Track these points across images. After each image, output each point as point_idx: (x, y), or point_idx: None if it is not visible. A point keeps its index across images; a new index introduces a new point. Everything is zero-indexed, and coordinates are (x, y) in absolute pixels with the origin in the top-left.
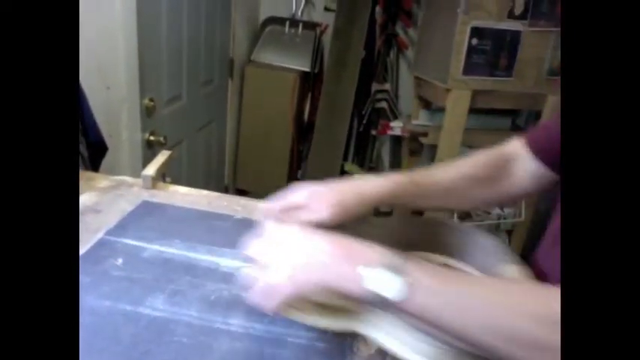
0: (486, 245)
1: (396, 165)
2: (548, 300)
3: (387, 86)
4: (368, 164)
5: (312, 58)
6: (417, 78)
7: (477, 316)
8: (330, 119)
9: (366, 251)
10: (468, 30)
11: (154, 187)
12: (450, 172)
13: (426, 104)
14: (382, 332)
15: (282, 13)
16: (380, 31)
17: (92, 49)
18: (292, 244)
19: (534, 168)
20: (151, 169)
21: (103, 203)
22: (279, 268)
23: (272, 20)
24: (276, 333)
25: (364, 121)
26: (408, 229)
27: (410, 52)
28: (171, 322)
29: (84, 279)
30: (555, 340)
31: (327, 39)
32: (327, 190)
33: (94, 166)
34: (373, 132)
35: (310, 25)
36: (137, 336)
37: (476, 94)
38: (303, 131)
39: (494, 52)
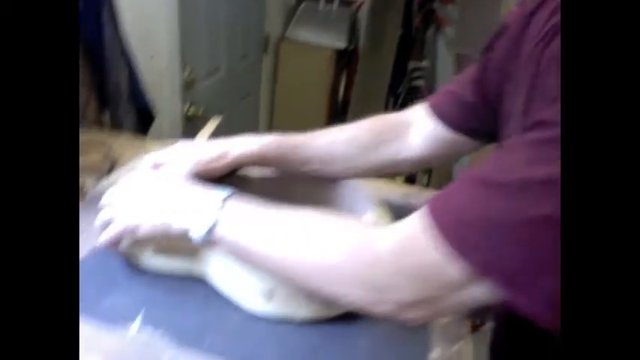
0: (360, 195)
1: None
2: (364, 234)
3: (425, 64)
4: None
5: (348, 35)
6: (458, 55)
7: (271, 244)
8: (366, 97)
9: (192, 192)
10: (514, 2)
11: None
12: (330, 136)
13: None
14: (217, 273)
15: None
16: (418, 8)
17: (137, 18)
18: (135, 183)
19: (435, 131)
20: (204, 136)
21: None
22: (115, 205)
23: None
24: None
25: (399, 100)
26: (287, 188)
27: (448, 29)
28: None
29: None
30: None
31: (362, 16)
32: (194, 146)
33: (142, 131)
34: None
35: (346, 2)
36: (208, 296)
37: None
38: (338, 109)
39: None
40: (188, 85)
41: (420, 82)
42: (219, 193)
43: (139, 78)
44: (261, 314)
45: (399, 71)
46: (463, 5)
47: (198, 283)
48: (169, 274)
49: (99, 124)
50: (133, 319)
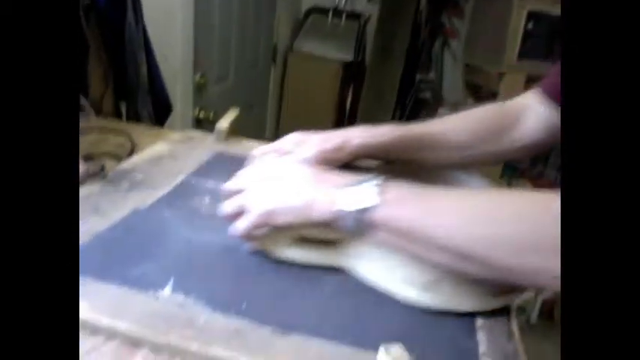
0: (480, 184)
1: None
2: (538, 201)
3: (431, 76)
4: None
5: (355, 48)
6: (467, 66)
7: (450, 221)
8: (373, 110)
9: (341, 176)
10: (524, 14)
11: (226, 141)
12: (447, 125)
13: (475, 92)
14: (365, 264)
15: (326, 3)
16: (425, 21)
17: (153, 18)
18: (268, 170)
19: (549, 115)
20: (224, 123)
21: (178, 152)
22: (249, 191)
23: (315, 10)
24: None
25: (406, 112)
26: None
27: (456, 42)
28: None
29: (174, 214)
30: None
31: (370, 29)
32: (313, 136)
33: (159, 123)
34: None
35: (354, 16)
36: (241, 264)
37: (529, 79)
38: (344, 122)
39: (549, 37)
40: (199, 88)
41: (427, 95)
42: (369, 176)
43: (158, 70)
44: (421, 306)
45: (407, 83)
46: (471, 18)
47: (227, 251)
48: (306, 266)
49: (116, 115)
50: (163, 287)
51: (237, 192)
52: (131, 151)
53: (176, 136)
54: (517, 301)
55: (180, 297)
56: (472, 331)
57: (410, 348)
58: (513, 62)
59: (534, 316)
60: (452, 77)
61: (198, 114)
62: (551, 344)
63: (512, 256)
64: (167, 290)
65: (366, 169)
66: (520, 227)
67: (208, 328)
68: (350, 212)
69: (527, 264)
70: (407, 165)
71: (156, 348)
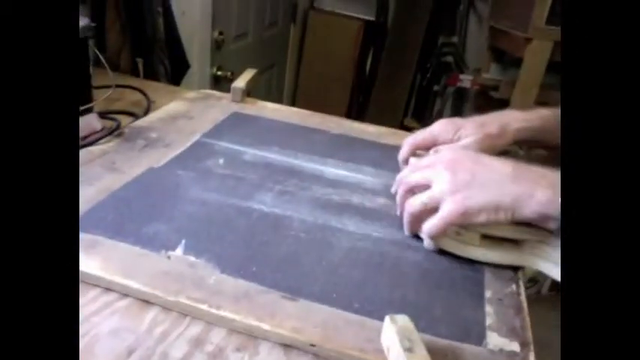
0: None
1: None
2: None
3: (455, 39)
4: (427, 121)
5: (378, 7)
6: (492, 28)
7: None
8: (393, 72)
9: (552, 173)
10: None
11: (242, 101)
12: None
13: (498, 57)
14: (551, 263)
15: None
16: None
17: None
18: (457, 164)
19: None
20: (241, 82)
21: (193, 111)
22: (442, 187)
23: None
24: (397, 235)
25: (428, 75)
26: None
27: (481, 3)
28: (284, 217)
29: (188, 174)
30: None
31: None
32: (468, 121)
33: (175, 81)
34: (436, 87)
35: None
36: (252, 227)
37: (557, 46)
38: (363, 84)
39: None
40: (218, 46)
41: (449, 59)
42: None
43: (175, 25)
44: None
45: (429, 46)
46: None
47: (240, 214)
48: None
49: (133, 71)
50: (174, 248)
51: (418, 186)
52: (147, 109)
53: (192, 94)
54: (528, 271)
55: (191, 258)
56: (480, 303)
57: (416, 319)
58: (541, 27)
59: (546, 287)
60: (476, 40)
61: (216, 72)
62: (559, 315)
63: None
64: (178, 251)
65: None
66: None
67: (218, 289)
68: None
69: None
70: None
71: (166, 307)
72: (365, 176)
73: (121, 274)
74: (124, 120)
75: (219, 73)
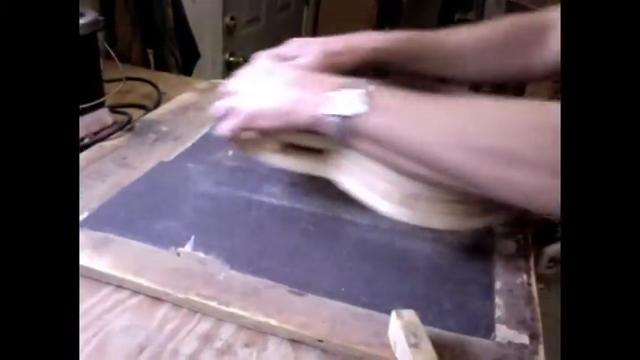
0: None
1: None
2: (535, 110)
3: (471, 15)
4: None
5: None
6: (509, 3)
7: (439, 128)
8: None
9: (332, 79)
10: None
11: None
12: (461, 35)
13: None
14: (347, 175)
15: None
16: None
17: None
18: (259, 73)
19: None
20: None
21: (204, 102)
22: (239, 93)
23: None
24: (407, 227)
25: None
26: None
27: None
28: (293, 210)
29: (198, 167)
30: (540, 152)
31: None
32: (317, 40)
33: (186, 71)
34: None
35: None
36: (261, 220)
37: None
38: None
39: None
40: (229, 31)
41: None
42: (362, 81)
43: (184, 16)
44: (397, 219)
45: (445, 23)
46: None
47: (250, 208)
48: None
49: (144, 63)
50: (184, 244)
51: (231, 93)
52: (158, 101)
53: (203, 84)
54: (550, 251)
55: (200, 254)
56: (489, 295)
57: (424, 312)
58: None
59: None
60: (493, 17)
61: (229, 58)
62: None
63: (498, 169)
64: (188, 247)
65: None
66: (506, 137)
67: (227, 286)
68: (335, 118)
69: (510, 178)
70: (409, 80)
71: (177, 304)
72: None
73: (132, 271)
74: (135, 113)
75: (231, 59)
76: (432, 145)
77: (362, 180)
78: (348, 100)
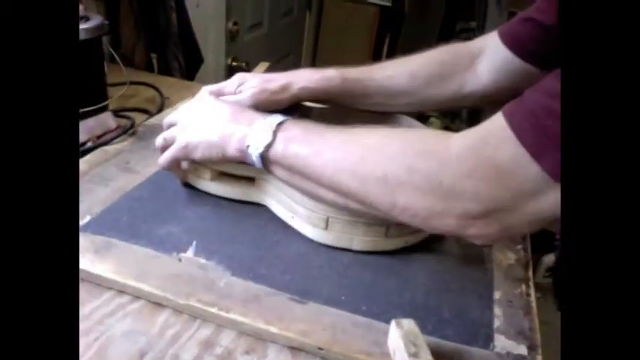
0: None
1: (474, 110)
2: (417, 136)
3: (473, 24)
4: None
5: None
6: (512, 13)
7: (334, 155)
8: None
9: (254, 114)
10: None
11: None
12: (395, 69)
13: None
14: (275, 201)
15: None
16: None
17: None
18: (197, 107)
19: (505, 62)
20: None
21: None
22: (177, 126)
23: None
24: None
25: None
26: (344, 122)
27: None
28: None
29: None
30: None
31: None
32: (257, 76)
33: (190, 76)
34: None
35: None
36: (263, 228)
37: None
38: None
39: None
40: (232, 37)
41: None
42: (277, 116)
43: (188, 21)
44: (318, 241)
45: (446, 32)
46: None
47: (251, 215)
48: (228, 199)
49: (147, 67)
50: (186, 249)
51: (171, 125)
52: (161, 106)
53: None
54: (547, 260)
55: (202, 260)
56: (488, 305)
57: (423, 322)
58: None
59: None
60: (495, 26)
61: (231, 63)
62: None
63: (383, 193)
64: (190, 252)
65: (303, 113)
66: (390, 164)
67: (228, 292)
68: (254, 148)
69: (395, 202)
70: (349, 108)
71: (177, 310)
72: None
73: (133, 276)
74: (139, 117)
75: (234, 64)
76: (330, 171)
77: (286, 205)
78: (261, 132)
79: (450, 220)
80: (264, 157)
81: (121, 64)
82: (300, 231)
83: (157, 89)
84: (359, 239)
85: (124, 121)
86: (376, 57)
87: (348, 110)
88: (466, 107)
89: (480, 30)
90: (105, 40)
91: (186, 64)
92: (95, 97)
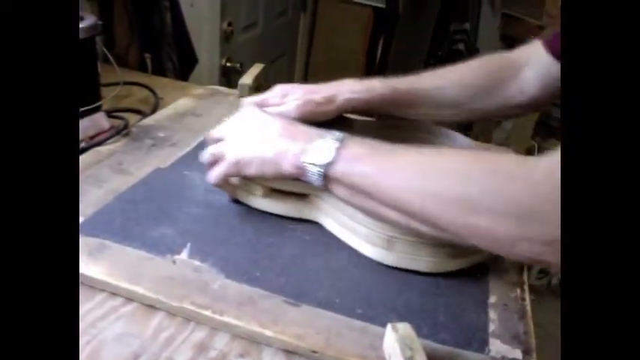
0: (464, 143)
1: None
2: (494, 159)
3: (467, 26)
4: None
5: None
6: (505, 15)
7: (403, 176)
8: (404, 60)
9: (309, 130)
10: None
11: (250, 96)
12: (444, 80)
13: (511, 45)
14: (330, 219)
15: None
16: None
17: None
18: (245, 121)
19: (550, 69)
20: (248, 79)
21: (201, 108)
22: (226, 141)
23: None
24: None
25: (439, 63)
26: (390, 134)
27: None
28: (289, 220)
29: (194, 174)
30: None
31: None
32: (300, 87)
33: (183, 76)
34: None
35: None
36: (257, 230)
37: None
38: (374, 72)
39: None
40: (227, 37)
41: (461, 46)
42: (335, 132)
43: (182, 21)
44: (380, 261)
45: (440, 33)
46: None
47: (246, 217)
48: (280, 216)
49: (141, 67)
50: (180, 252)
51: (218, 140)
52: (155, 106)
53: (200, 90)
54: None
55: (196, 262)
56: (484, 309)
57: (418, 325)
58: (555, 14)
59: (556, 278)
60: (488, 28)
61: (225, 63)
62: None
63: (461, 216)
64: (184, 254)
65: (347, 125)
66: (466, 186)
67: (222, 295)
68: (314, 166)
69: (474, 225)
70: (392, 120)
71: (171, 312)
72: None
73: (126, 279)
74: (132, 118)
75: (228, 64)
76: (398, 192)
77: (344, 223)
78: (322, 149)
79: (534, 247)
80: (324, 175)
81: (115, 65)
82: (359, 250)
83: (150, 89)
84: (425, 260)
85: (117, 122)
86: (370, 58)
87: (392, 122)
88: (512, 116)
89: (474, 31)
90: (98, 40)
91: (180, 65)
92: (88, 97)
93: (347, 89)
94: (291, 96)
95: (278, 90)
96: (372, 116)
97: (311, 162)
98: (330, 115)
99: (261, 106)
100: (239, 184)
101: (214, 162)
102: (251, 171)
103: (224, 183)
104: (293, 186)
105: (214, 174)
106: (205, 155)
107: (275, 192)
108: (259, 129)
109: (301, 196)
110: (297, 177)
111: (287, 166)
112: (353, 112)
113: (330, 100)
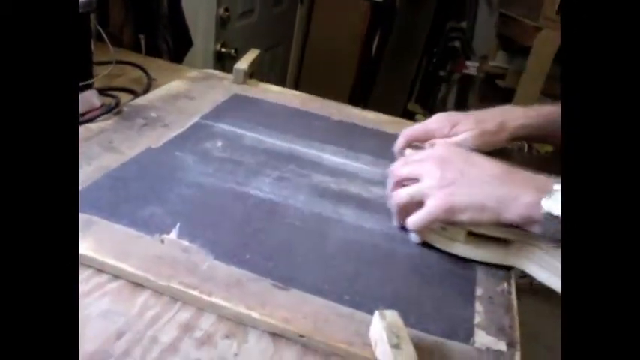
0: None
1: (462, 109)
2: None
3: (463, 24)
4: (431, 106)
5: None
6: (502, 15)
7: None
8: (399, 55)
9: (541, 179)
10: None
11: (244, 82)
12: None
13: (506, 45)
14: (541, 267)
15: None
16: None
17: None
18: (446, 161)
19: None
20: (244, 64)
21: (194, 91)
22: (427, 182)
23: None
24: (392, 229)
25: (434, 60)
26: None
27: None
28: (280, 205)
29: (186, 156)
30: None
31: None
32: (465, 116)
33: (178, 58)
34: (441, 73)
35: None
36: (247, 214)
37: None
38: (369, 66)
39: None
40: (223, 23)
41: (457, 44)
42: (550, 176)
43: (179, 3)
44: None
45: (436, 30)
46: None
47: (236, 200)
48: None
49: (135, 48)
50: (169, 231)
51: (408, 179)
52: (147, 87)
53: (194, 73)
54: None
55: (185, 242)
56: (471, 301)
57: (406, 314)
58: (552, 16)
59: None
60: (485, 27)
61: (220, 49)
62: (552, 306)
63: None
64: (173, 234)
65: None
66: None
67: (210, 275)
68: (551, 217)
69: None
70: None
71: (158, 291)
72: (363, 165)
73: (113, 255)
74: (124, 97)
75: (222, 50)
76: None
77: (556, 272)
78: (550, 200)
79: None
80: (557, 227)
81: (109, 43)
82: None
83: (143, 70)
84: None
85: (109, 100)
86: (366, 50)
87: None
88: None
89: (470, 30)
90: (93, 17)
91: (174, 47)
92: (80, 74)
93: (516, 115)
94: (462, 126)
95: (442, 119)
96: (530, 144)
97: (549, 212)
98: (502, 143)
99: (428, 136)
100: (436, 229)
101: (411, 204)
102: (464, 218)
103: (426, 229)
104: (498, 231)
105: (418, 220)
106: (401, 197)
107: (474, 236)
108: (471, 172)
109: (503, 241)
110: (521, 226)
111: (511, 215)
112: (523, 138)
113: (502, 128)
